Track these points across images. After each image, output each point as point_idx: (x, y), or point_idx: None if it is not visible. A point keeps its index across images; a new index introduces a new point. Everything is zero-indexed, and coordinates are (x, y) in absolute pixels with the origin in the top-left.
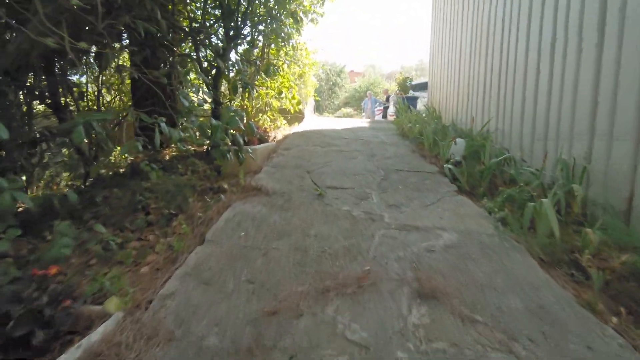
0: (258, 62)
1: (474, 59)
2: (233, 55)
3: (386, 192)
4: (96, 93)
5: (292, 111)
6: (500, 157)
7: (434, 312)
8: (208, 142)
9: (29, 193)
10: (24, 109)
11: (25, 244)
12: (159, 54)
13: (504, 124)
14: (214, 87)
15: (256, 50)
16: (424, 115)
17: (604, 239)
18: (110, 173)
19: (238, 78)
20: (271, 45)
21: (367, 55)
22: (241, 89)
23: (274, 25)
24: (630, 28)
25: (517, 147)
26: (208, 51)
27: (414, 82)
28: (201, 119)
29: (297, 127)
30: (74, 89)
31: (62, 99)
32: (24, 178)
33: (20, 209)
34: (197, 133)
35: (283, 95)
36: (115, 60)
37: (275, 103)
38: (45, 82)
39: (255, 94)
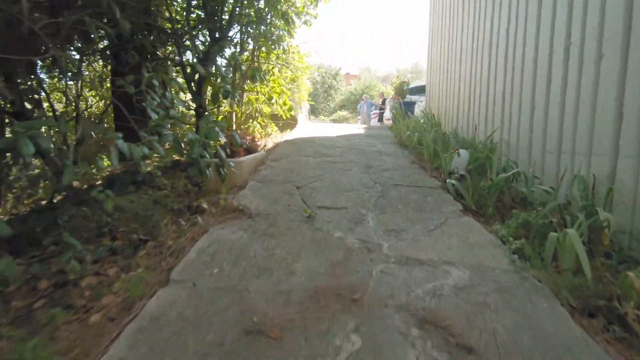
0: (244, 67)
1: (475, 61)
2: (226, 59)
3: (384, 213)
4: (74, 100)
5: (284, 117)
6: (509, 172)
7: None
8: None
9: None
10: None
11: None
12: (130, 58)
13: (509, 134)
14: (197, 93)
15: (246, 54)
16: (422, 121)
17: None
18: (85, 186)
19: (220, 85)
20: (262, 49)
21: (361, 57)
22: (222, 96)
23: (263, 28)
24: None
25: (526, 160)
26: (190, 55)
27: (410, 86)
28: (180, 130)
29: (289, 134)
30: (35, 96)
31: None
32: None
33: None
34: (169, 147)
35: (274, 101)
36: (87, 65)
37: (266, 109)
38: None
39: (245, 99)
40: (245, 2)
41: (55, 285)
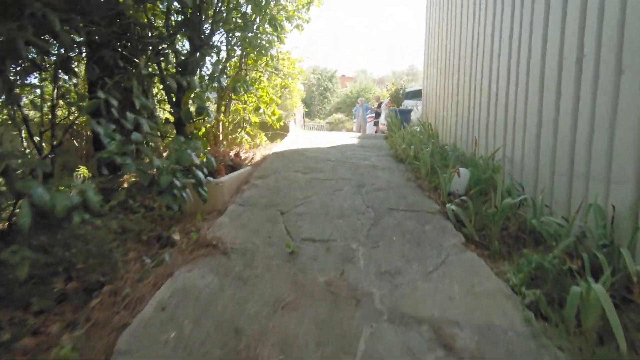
0: (227, 76)
1: (474, 67)
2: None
3: (377, 247)
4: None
5: (275, 127)
6: (514, 196)
7: None
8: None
9: None
10: None
11: None
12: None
13: (513, 152)
14: (176, 105)
15: (234, 59)
16: (417, 129)
17: None
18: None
19: (196, 97)
20: (250, 55)
21: (355, 60)
22: (194, 114)
23: (250, 35)
24: None
25: (531, 181)
26: (168, 64)
27: (407, 90)
28: (146, 155)
29: (279, 145)
30: None
31: None
32: None
33: None
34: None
35: (262, 111)
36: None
37: (255, 118)
38: None
39: (233, 107)
40: (231, 5)
41: None
